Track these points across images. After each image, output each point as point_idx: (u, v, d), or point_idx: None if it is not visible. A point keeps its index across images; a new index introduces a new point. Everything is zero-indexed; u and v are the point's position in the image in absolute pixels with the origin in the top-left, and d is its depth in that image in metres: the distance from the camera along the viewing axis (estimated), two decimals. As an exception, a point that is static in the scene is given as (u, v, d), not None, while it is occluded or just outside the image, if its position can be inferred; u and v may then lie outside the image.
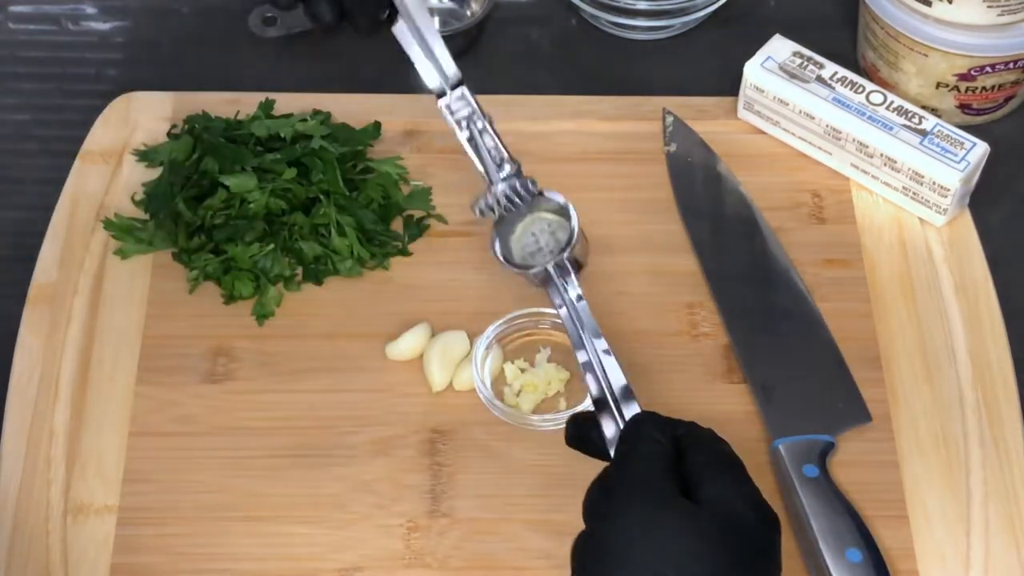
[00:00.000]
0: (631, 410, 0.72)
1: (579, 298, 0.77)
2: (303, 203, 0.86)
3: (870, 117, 0.89)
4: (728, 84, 0.95)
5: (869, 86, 0.90)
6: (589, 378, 0.74)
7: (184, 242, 0.86)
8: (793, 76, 0.91)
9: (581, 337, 0.75)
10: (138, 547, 0.76)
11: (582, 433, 0.74)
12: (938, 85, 0.94)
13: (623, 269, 0.87)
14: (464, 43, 1.00)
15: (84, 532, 0.76)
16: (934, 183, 0.87)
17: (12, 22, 1.03)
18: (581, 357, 0.75)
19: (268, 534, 0.77)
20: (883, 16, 0.93)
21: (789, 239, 0.88)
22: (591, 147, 0.93)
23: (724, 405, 0.82)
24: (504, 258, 0.80)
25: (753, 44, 0.93)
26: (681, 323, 0.85)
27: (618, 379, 0.74)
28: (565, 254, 0.79)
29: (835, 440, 0.79)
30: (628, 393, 0.73)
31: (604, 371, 0.74)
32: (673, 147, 0.92)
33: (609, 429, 0.72)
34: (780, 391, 0.81)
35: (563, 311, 0.77)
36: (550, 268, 0.78)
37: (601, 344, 0.75)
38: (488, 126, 0.81)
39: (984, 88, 0.93)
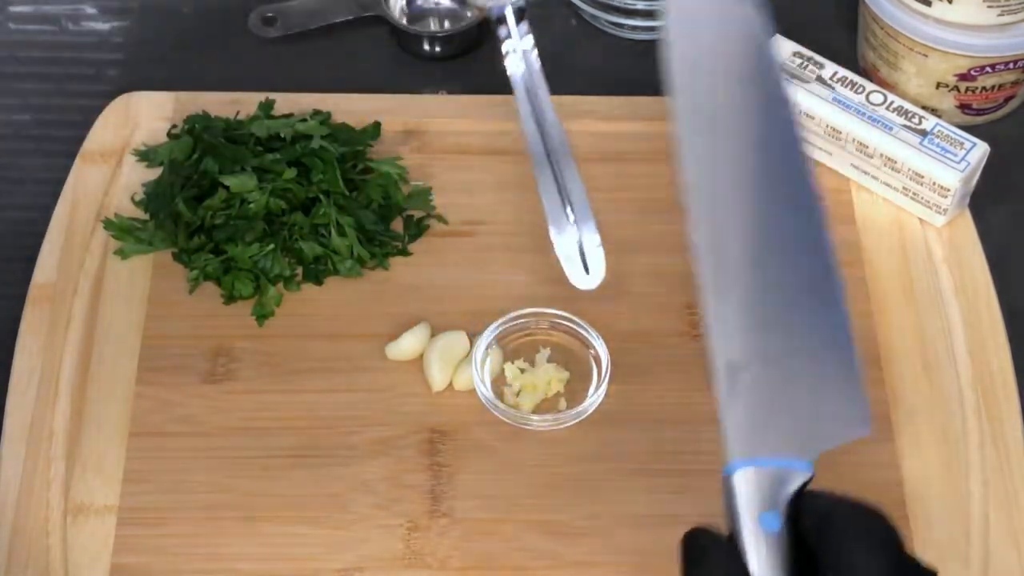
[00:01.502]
0: (589, 229, 0.69)
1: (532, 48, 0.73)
2: (303, 203, 0.86)
3: (870, 117, 0.89)
4: (728, 84, 0.95)
5: (869, 86, 0.90)
6: (531, 134, 0.71)
7: (184, 242, 0.86)
8: (793, 76, 0.91)
9: (528, 94, 0.73)
10: (138, 547, 0.76)
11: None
12: (938, 85, 0.94)
13: (623, 269, 0.87)
14: (464, 43, 1.00)
15: (84, 532, 0.76)
16: (934, 183, 0.87)
17: (12, 22, 1.03)
18: (528, 124, 0.72)
19: (268, 534, 0.77)
20: (883, 16, 0.93)
21: (789, 239, 0.88)
22: (591, 147, 0.93)
23: (724, 405, 0.82)
24: None
25: (753, 44, 0.93)
26: (681, 323, 0.85)
27: (577, 186, 0.71)
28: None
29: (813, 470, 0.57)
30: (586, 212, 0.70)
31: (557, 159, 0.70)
32: None
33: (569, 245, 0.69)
34: (752, 381, 0.58)
35: (515, 67, 0.73)
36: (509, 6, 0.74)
37: (547, 102, 0.71)
38: None
39: (984, 88, 0.93)
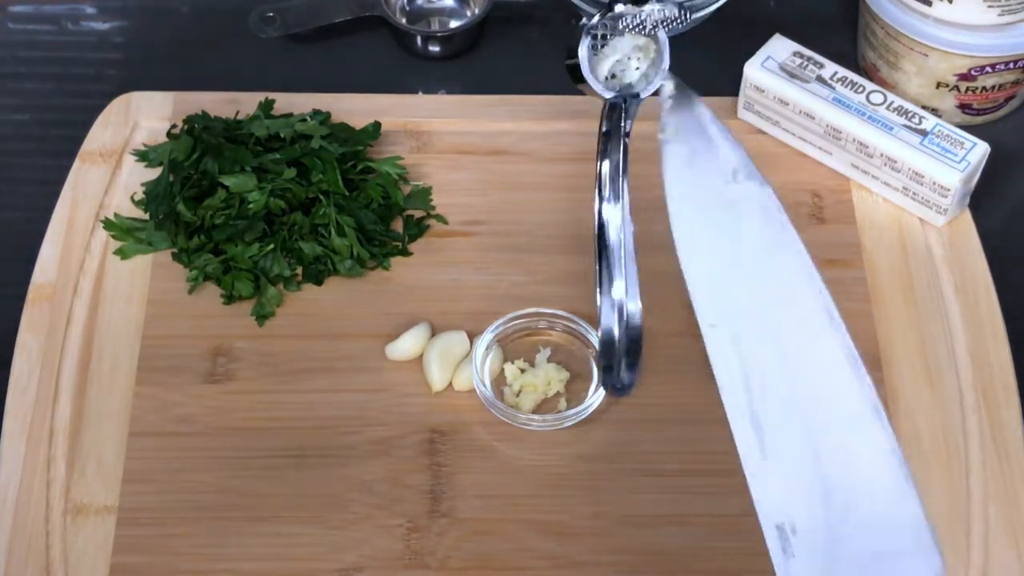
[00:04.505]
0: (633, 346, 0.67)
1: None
2: (303, 203, 0.86)
3: (870, 117, 0.89)
4: (728, 84, 0.95)
5: (869, 86, 0.90)
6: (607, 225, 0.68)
7: (184, 242, 0.86)
8: (793, 76, 0.91)
9: (612, 184, 0.70)
10: (138, 547, 0.76)
11: None
12: (938, 85, 0.94)
13: (623, 269, 0.87)
14: (464, 43, 1.00)
15: (84, 532, 0.76)
16: (934, 183, 0.87)
17: (12, 22, 1.03)
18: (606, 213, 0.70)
19: (268, 534, 0.77)
20: (883, 16, 0.93)
21: (789, 239, 0.88)
22: (591, 147, 0.93)
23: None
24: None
25: (753, 44, 0.93)
26: (681, 323, 0.85)
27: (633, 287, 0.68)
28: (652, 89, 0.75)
29: None
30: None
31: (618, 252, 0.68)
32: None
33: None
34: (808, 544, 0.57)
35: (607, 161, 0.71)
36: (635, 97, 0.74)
37: (627, 195, 0.69)
38: None
39: (984, 88, 0.93)
